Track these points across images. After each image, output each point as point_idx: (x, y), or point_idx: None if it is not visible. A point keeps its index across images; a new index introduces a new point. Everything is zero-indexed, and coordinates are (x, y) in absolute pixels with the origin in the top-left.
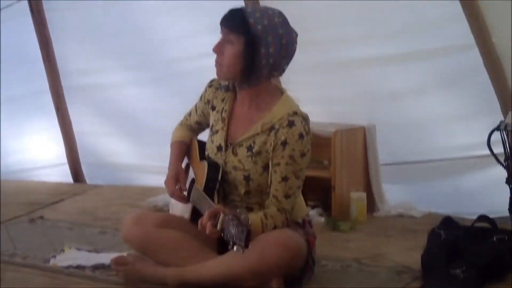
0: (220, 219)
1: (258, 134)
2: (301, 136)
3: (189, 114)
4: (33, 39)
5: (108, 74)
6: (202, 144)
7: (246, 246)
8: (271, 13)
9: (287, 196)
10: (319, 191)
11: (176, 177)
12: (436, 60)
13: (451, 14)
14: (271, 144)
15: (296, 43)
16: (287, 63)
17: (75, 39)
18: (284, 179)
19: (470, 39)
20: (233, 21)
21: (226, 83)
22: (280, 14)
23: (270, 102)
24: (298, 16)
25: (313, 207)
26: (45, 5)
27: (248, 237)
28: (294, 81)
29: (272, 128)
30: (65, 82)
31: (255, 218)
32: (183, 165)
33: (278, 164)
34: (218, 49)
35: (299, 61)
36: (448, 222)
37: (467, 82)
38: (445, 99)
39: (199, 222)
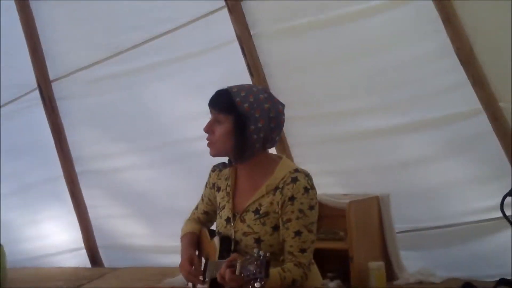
0: (238, 264)
1: (263, 196)
2: (306, 189)
3: (196, 207)
4: (45, 126)
5: (121, 157)
6: (211, 231)
7: (267, 276)
8: (256, 90)
9: (302, 251)
10: (337, 263)
11: (190, 259)
12: (445, 127)
13: (457, 82)
14: (278, 202)
15: (284, 114)
16: (278, 134)
17: (86, 125)
18: (297, 233)
19: (478, 104)
20: (220, 102)
21: (226, 162)
22: (265, 90)
23: (270, 168)
24: (307, 91)
25: (331, 279)
26: (56, 94)
27: (267, 267)
28: (305, 154)
29: (276, 188)
30: (78, 167)
31: (272, 271)
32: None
33: (289, 220)
34: (209, 128)
35: (310, 134)
36: (468, 287)
37: (478, 147)
38: (456, 165)
39: (218, 275)
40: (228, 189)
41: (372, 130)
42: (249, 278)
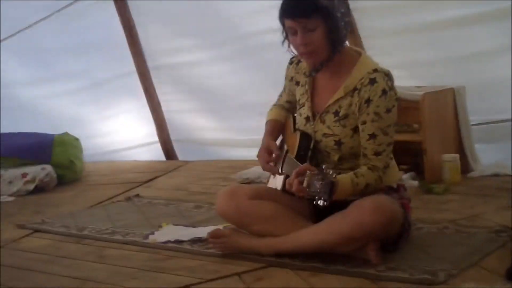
0: (306, 178)
1: (342, 98)
2: (384, 92)
3: (280, 94)
4: (117, 23)
5: (192, 52)
6: (296, 118)
7: (330, 198)
8: None
9: (377, 154)
10: (410, 155)
11: (268, 149)
12: None
13: None
14: (356, 104)
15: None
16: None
17: (156, 22)
18: (372, 136)
19: None
20: (304, 9)
21: None
22: None
23: (349, 66)
24: None
25: (405, 172)
26: None
27: (332, 190)
28: (377, 46)
29: (354, 89)
30: (150, 63)
31: (344, 176)
32: (278, 141)
33: (365, 122)
34: (306, 40)
35: (383, 25)
36: None
37: None
38: None
39: (287, 181)
40: (307, 86)
41: (447, 21)
42: (314, 194)
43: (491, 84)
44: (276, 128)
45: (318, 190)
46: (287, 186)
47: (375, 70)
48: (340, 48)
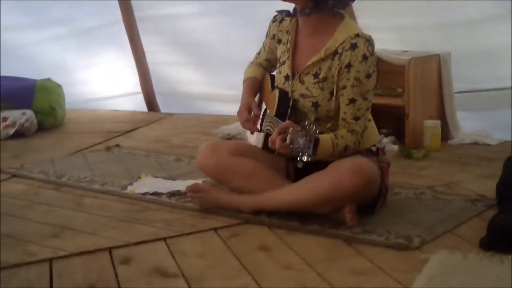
0: (289, 134)
1: (322, 59)
2: (364, 57)
3: (259, 52)
4: None
5: (179, 4)
6: (273, 77)
7: (314, 154)
8: None
9: (356, 118)
10: (392, 119)
11: (248, 107)
12: None
13: None
14: (336, 68)
15: None
16: None
17: None
18: (352, 101)
19: None
20: None
21: (289, 13)
22: None
23: (331, 28)
24: None
25: (386, 135)
26: None
27: (315, 145)
28: (366, 8)
29: (335, 52)
30: (137, 13)
31: (325, 136)
32: (256, 99)
33: (344, 87)
34: None
35: None
36: None
37: None
38: None
39: (269, 139)
40: (289, 45)
41: None
42: (298, 150)
43: (477, 53)
44: (254, 86)
45: (302, 146)
46: (269, 144)
47: (357, 35)
48: (322, 8)
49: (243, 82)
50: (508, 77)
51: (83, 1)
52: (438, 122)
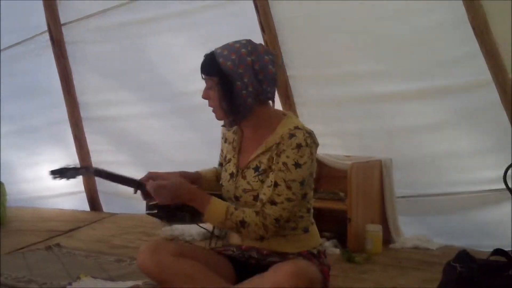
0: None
1: (263, 153)
2: (298, 145)
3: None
4: (53, 70)
5: (126, 106)
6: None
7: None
8: (238, 46)
9: (272, 202)
10: (335, 223)
11: (155, 176)
12: (451, 96)
13: (467, 52)
14: (273, 157)
15: (272, 64)
16: (271, 85)
17: (94, 72)
18: (274, 184)
19: (485, 75)
20: (207, 67)
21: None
22: (249, 43)
23: (274, 124)
24: (315, 52)
25: (328, 239)
26: (66, 38)
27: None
28: (311, 114)
29: (276, 144)
30: (83, 113)
31: (221, 201)
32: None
33: (273, 171)
34: (205, 95)
35: (318, 94)
36: (463, 255)
37: (483, 118)
38: (461, 135)
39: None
40: (235, 143)
41: (379, 95)
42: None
43: (420, 159)
44: (192, 174)
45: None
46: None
47: (297, 127)
48: (245, 109)
49: None
50: (451, 183)
51: (30, 97)
52: (380, 226)
